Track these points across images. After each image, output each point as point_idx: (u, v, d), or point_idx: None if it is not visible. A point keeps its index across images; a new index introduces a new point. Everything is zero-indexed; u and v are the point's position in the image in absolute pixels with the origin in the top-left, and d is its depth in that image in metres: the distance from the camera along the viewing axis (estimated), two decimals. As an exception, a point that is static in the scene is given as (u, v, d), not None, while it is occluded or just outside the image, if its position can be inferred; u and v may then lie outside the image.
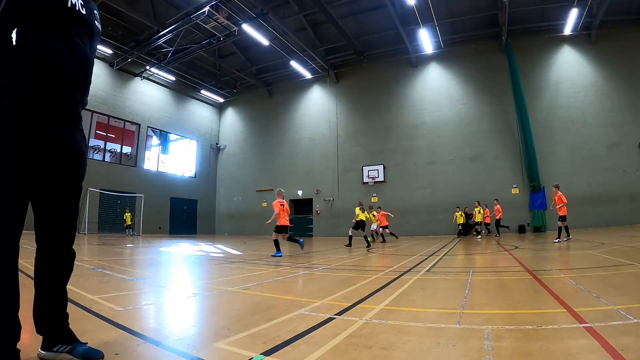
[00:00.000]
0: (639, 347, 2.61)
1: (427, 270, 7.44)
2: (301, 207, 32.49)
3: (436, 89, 28.90)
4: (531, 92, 25.96)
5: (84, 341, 2.48)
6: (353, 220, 17.43)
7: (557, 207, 14.92)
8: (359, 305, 4.20)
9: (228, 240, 23.85)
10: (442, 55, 28.55)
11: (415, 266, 8.17)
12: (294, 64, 29.69)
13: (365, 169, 29.58)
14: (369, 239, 17.43)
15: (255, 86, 35.18)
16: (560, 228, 14.46)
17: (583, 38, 26.13)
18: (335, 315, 3.69)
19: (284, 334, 3.03)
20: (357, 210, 17.58)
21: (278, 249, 11.38)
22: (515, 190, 25.56)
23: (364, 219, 17.58)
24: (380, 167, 29.08)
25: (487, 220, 23.84)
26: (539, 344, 2.75)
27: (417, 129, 28.68)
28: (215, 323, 3.51)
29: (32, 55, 2.23)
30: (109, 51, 27.49)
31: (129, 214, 27.13)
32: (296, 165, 32.90)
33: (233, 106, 38.33)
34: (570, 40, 26.17)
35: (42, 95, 2.26)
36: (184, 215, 34.18)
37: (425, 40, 26.12)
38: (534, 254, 10.63)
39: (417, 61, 29.30)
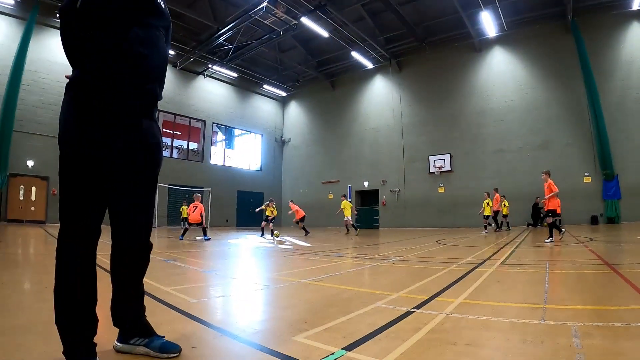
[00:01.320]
0: None
1: (502, 263, 7.19)
2: (367, 199, 32.41)
3: (501, 73, 27.75)
4: (601, 73, 23.99)
5: (160, 334, 2.48)
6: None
7: (546, 197, 13.28)
8: (436, 298, 4.09)
9: (295, 232, 24.09)
10: (506, 38, 27.36)
11: (488, 258, 7.95)
12: (355, 54, 29.48)
13: (432, 158, 28.96)
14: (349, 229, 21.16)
15: (318, 78, 35.35)
16: (550, 225, 12.47)
17: None
18: (413, 308, 3.59)
19: (363, 328, 2.95)
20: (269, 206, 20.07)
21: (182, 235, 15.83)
22: (587, 179, 24.10)
23: (270, 213, 19.67)
24: (447, 157, 28.39)
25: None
26: (631, 343, 2.59)
27: (484, 116, 27.75)
28: (292, 316, 3.45)
29: (116, 46, 2.19)
30: (172, 52, 28.34)
31: (186, 207, 27.74)
32: (361, 156, 32.73)
33: (296, 99, 38.71)
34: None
35: (125, 87, 2.24)
36: (251, 208, 34.82)
37: (488, 23, 25.14)
38: (610, 247, 10.07)
39: (481, 45, 28.30)
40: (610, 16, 24.44)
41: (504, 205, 20.84)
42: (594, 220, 23.19)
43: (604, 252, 8.54)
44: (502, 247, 10.46)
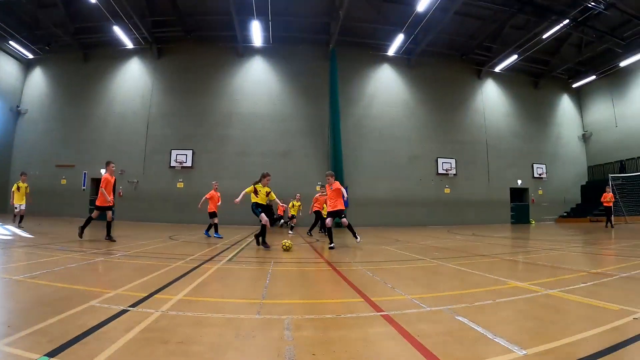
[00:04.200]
0: (434, 332, 3.00)
1: (229, 260, 7.64)
2: None
3: (256, 82, 29.42)
4: (347, 99, 28.78)
5: None
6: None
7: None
8: (155, 295, 4.16)
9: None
10: (269, 51, 29.28)
11: (217, 255, 8.37)
12: (117, 29, 27.11)
13: (174, 152, 28.49)
14: None
15: (72, 47, 30.77)
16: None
17: (403, 61, 30.91)
18: (129, 307, 3.60)
19: (72, 330, 2.85)
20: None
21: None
22: (319, 189, 27.19)
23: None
24: (189, 152, 28.40)
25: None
26: (339, 332, 2.99)
27: (232, 119, 28.81)
28: (-6, 319, 3.15)
29: None
30: None
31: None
32: (102, 141, 29.69)
33: (43, 65, 33.02)
34: (392, 60, 30.54)
35: None
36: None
37: (256, 32, 26.39)
38: (335, 248, 11.37)
39: (244, 51, 29.43)
40: (367, 54, 29.94)
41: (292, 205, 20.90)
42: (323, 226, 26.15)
43: (327, 253, 9.62)
44: (232, 245, 11.13)
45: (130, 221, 25.84)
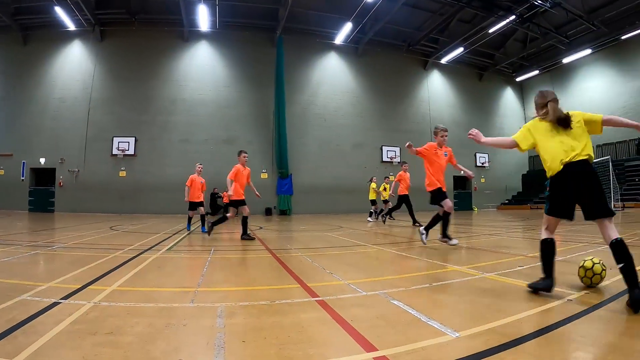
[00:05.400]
0: (368, 317, 3.03)
1: (169, 249, 7.56)
2: (42, 178, 28.83)
3: (201, 67, 29.10)
4: (293, 86, 28.88)
5: None
6: None
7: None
8: (89, 287, 4.05)
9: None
10: (215, 36, 28.97)
11: (156, 244, 8.24)
12: (59, 10, 25.66)
13: (116, 139, 27.58)
14: None
15: (11, 28, 28.54)
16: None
17: (351, 50, 31.45)
18: (61, 299, 3.49)
19: (0, 324, 2.75)
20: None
21: None
22: (264, 175, 27.55)
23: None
24: (132, 140, 27.65)
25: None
26: (272, 318, 3.00)
27: (176, 105, 28.38)
28: None
29: None
30: None
31: None
32: (41, 128, 28.03)
33: None
34: (339, 49, 30.99)
35: None
36: None
37: (203, 16, 26.10)
38: (277, 235, 11.54)
39: (189, 36, 28.97)
40: (314, 42, 30.26)
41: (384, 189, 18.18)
42: (268, 212, 26.64)
43: (269, 240, 9.71)
44: (174, 234, 10.96)
45: (72, 212, 25.07)
